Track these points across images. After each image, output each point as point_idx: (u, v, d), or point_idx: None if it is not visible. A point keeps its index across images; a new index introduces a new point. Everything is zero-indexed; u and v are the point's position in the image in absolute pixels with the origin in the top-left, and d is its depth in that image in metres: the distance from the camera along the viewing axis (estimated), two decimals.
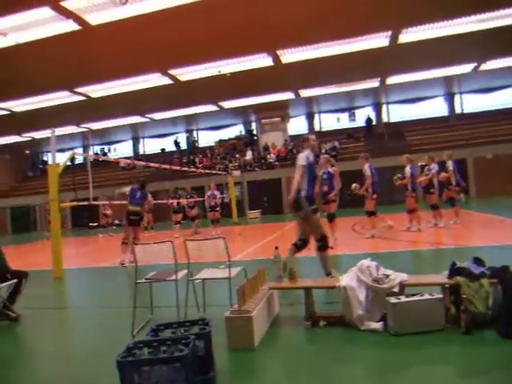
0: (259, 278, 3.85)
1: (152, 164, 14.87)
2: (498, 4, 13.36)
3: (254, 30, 13.15)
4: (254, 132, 28.83)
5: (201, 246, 4.14)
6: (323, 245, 4.79)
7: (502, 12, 13.99)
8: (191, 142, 30.59)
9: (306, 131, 28.96)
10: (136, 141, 32.50)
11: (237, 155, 25.82)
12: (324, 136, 26.61)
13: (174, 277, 4.10)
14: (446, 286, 3.29)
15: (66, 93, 17.90)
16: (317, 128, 29.14)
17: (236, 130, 29.86)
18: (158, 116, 24.52)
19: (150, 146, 32.24)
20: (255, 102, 23.10)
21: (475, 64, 20.05)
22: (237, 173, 20.34)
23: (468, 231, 9.24)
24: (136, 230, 8.31)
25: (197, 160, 26.47)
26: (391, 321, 3.24)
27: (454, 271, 3.30)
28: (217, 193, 13.68)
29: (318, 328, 3.61)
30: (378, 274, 3.37)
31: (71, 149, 25.33)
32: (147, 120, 25.17)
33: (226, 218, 18.21)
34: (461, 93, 27.03)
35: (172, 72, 16.52)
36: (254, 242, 10.46)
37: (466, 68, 20.63)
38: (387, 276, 3.37)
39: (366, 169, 9.04)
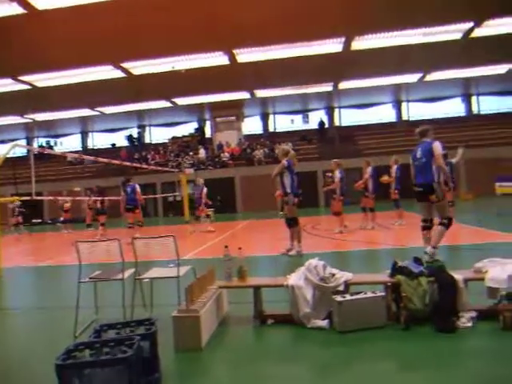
0: (208, 276, 3.83)
1: (101, 159, 14.34)
2: (443, 20, 14.17)
3: (210, 27, 13.05)
4: (209, 130, 28.64)
5: (149, 245, 4.05)
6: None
7: (446, 27, 14.85)
8: (139, 138, 29.80)
9: (261, 131, 29.21)
10: (85, 134, 31.21)
11: (190, 153, 25.51)
12: (278, 137, 26.94)
13: (120, 276, 3.98)
14: (388, 284, 3.44)
15: (9, 80, 16.83)
16: (271, 129, 29.45)
17: (190, 128, 29.49)
18: (109, 110, 23.68)
19: (100, 141, 31.09)
20: (210, 100, 22.94)
21: (421, 74, 21.15)
22: (190, 170, 20.06)
23: (410, 232, 9.70)
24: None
25: (149, 156, 25.86)
26: (336, 318, 3.34)
27: (396, 270, 3.46)
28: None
29: (266, 326, 3.65)
30: (325, 274, 3.47)
31: (13, 140, 23.95)
32: (97, 113, 24.24)
33: (178, 216, 17.95)
34: (408, 101, 28.39)
35: (125, 65, 16.03)
36: (205, 240, 10.38)
37: (413, 78, 21.71)
38: (333, 275, 3.47)
39: (337, 174, 9.61)
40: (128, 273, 4.10)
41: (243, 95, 22.57)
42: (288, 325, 3.59)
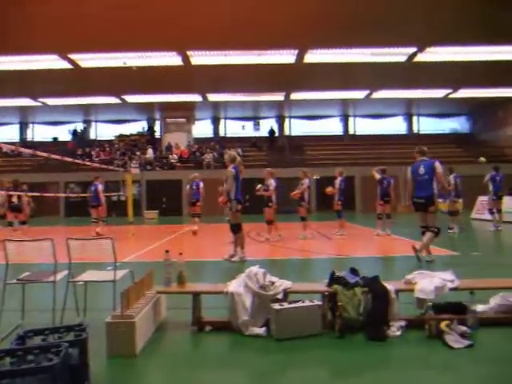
0: (146, 281, 3.72)
1: (40, 153, 13.52)
2: (390, 42, 14.97)
3: (165, 26, 12.81)
4: (158, 130, 28.06)
5: (85, 246, 3.87)
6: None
7: (393, 50, 15.70)
8: (82, 134, 28.51)
9: (211, 135, 29.08)
10: (24, 126, 29.34)
11: (137, 152, 24.81)
12: (228, 142, 26.94)
13: (52, 278, 3.76)
14: (325, 293, 3.53)
15: None
16: (222, 133, 29.42)
17: (139, 126, 28.71)
18: (52, 101, 22.47)
19: (41, 133, 29.36)
20: (161, 99, 22.53)
21: (368, 92, 22.14)
22: (136, 170, 19.50)
23: (351, 242, 10.08)
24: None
25: (93, 153, 24.81)
26: (274, 326, 3.37)
27: (333, 280, 3.57)
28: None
29: (203, 333, 3.60)
30: (265, 281, 3.49)
31: None
32: (39, 104, 22.90)
33: (121, 216, 17.36)
34: (354, 116, 29.59)
35: (72, 56, 15.31)
36: (147, 243, 10.10)
37: (360, 94, 22.68)
38: (273, 283, 3.51)
39: (272, 183, 9.70)
40: (61, 275, 3.89)
41: (195, 98, 22.38)
42: (226, 332, 3.57)
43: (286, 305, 3.38)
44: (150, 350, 3.28)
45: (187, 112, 25.45)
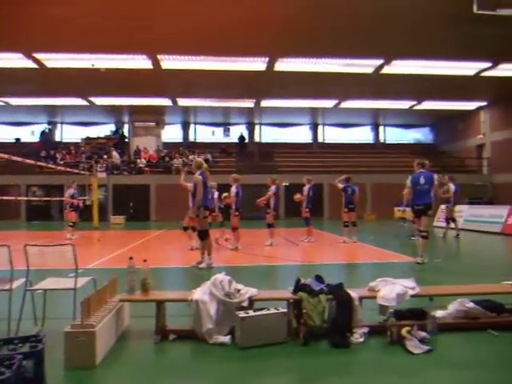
0: (109, 289, 3.62)
1: (0, 154, 12.94)
2: (358, 54, 15.37)
3: (135, 29, 12.65)
4: (126, 134, 27.55)
5: (45, 252, 3.72)
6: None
7: (361, 61, 16.12)
8: (47, 135, 27.60)
9: (181, 140, 28.83)
10: None
11: (105, 156, 24.22)
12: (198, 147, 26.79)
13: (7, 286, 3.59)
14: (290, 301, 3.54)
15: None
16: (191, 138, 29.23)
17: (106, 129, 28.09)
18: (15, 101, 21.66)
19: (2, 134, 28.17)
20: (130, 103, 22.17)
21: (337, 101, 22.60)
22: (102, 174, 19.04)
23: (317, 249, 10.19)
24: None
25: (58, 156, 24.03)
26: (239, 334, 3.34)
27: (298, 287, 3.59)
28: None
29: (167, 342, 3.53)
30: (230, 289, 3.47)
31: None
32: (1, 104, 22.02)
33: (86, 221, 16.86)
34: (324, 124, 30.11)
35: (38, 56, 14.82)
36: (113, 249, 9.85)
37: (329, 103, 23.12)
38: (238, 291, 3.49)
39: (233, 189, 9.64)
40: (18, 282, 3.72)
41: (165, 102, 22.16)
42: (190, 340, 3.52)
43: (251, 312, 3.36)
44: (110, 360, 3.18)
45: (157, 116, 25.15)
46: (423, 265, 7.32)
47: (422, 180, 7.47)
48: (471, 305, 3.81)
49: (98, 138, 26.96)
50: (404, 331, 3.38)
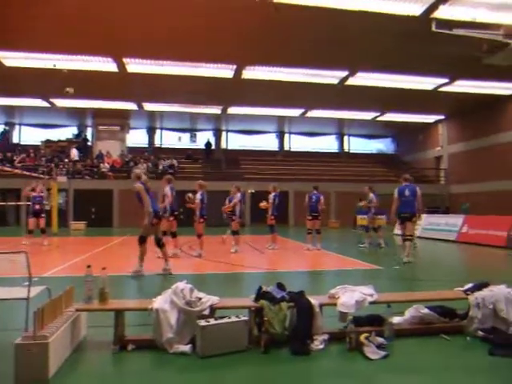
0: (65, 298, 3.49)
1: None
2: (323, 65, 15.73)
3: (100, 31, 12.43)
4: (89, 137, 26.81)
5: None
6: None
7: (326, 72, 16.50)
8: (3, 137, 26.40)
9: (146, 145, 28.38)
10: None
11: (66, 159, 23.45)
12: (163, 153, 26.47)
13: None
14: (252, 308, 3.55)
15: None
16: (157, 144, 28.84)
17: (68, 132, 27.20)
18: None
19: None
20: (94, 105, 21.62)
21: (303, 110, 23.00)
22: (62, 178, 18.41)
23: (281, 257, 10.27)
24: None
25: (15, 158, 23.03)
26: (199, 343, 3.31)
27: (260, 295, 3.60)
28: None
29: (126, 352, 3.44)
30: (191, 297, 3.43)
31: None
32: None
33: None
34: (290, 132, 30.52)
35: None
36: (71, 256, 9.51)
37: (296, 112, 23.49)
38: (200, 299, 3.46)
39: (198, 196, 9.58)
40: None
41: (130, 106, 21.79)
42: (150, 350, 3.45)
43: (212, 321, 3.34)
44: (64, 372, 3.07)
45: (121, 120, 24.68)
46: (384, 272, 7.54)
47: (407, 192, 8.63)
48: (426, 311, 3.95)
49: (59, 140, 26.01)
50: (362, 337, 3.46)
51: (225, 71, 16.27)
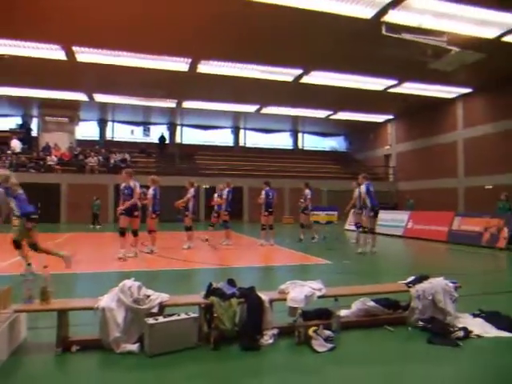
0: (2, 298, 3.29)
1: None
2: (278, 62, 15.87)
3: (46, 17, 11.77)
4: (34, 128, 25.42)
5: None
6: None
7: (281, 69, 16.64)
8: None
9: (97, 138, 27.37)
10: None
11: (8, 151, 22.09)
12: (115, 146, 25.64)
13: None
14: (202, 305, 3.52)
15: None
16: (109, 136, 27.90)
17: (11, 123, 25.62)
18: None
19: None
20: (40, 95, 20.51)
21: (258, 106, 23.09)
22: (4, 171, 17.30)
23: (235, 253, 10.27)
24: None
25: None
26: (147, 342, 3.24)
27: (210, 291, 3.58)
28: None
29: (69, 354, 3.30)
30: (140, 295, 3.35)
31: None
32: None
33: None
34: (245, 128, 30.56)
35: None
36: (11, 254, 8.96)
37: (251, 108, 23.53)
38: (148, 296, 3.38)
39: (150, 191, 9.42)
40: None
41: (80, 96, 20.87)
42: (96, 351, 3.33)
43: (160, 319, 3.28)
44: (1, 376, 2.89)
45: (70, 111, 23.59)
46: (333, 267, 7.78)
47: (371, 188, 9.77)
48: (371, 303, 4.10)
49: (1, 131, 24.46)
50: (311, 331, 3.53)
51: (180, 64, 15.98)
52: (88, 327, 3.69)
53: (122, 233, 8.29)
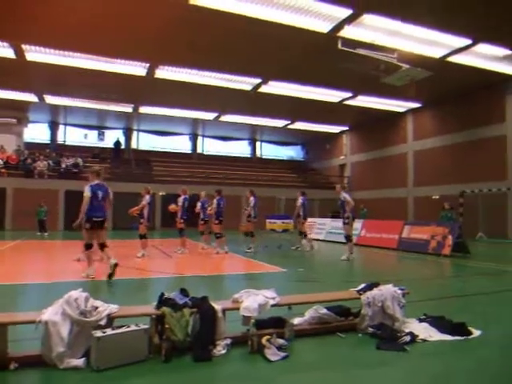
0: None
1: None
2: (237, 70, 15.96)
3: None
4: None
5: None
6: None
7: (240, 78, 16.75)
8: None
9: (48, 141, 26.23)
10: None
11: None
12: (67, 150, 24.66)
13: None
14: (153, 316, 3.42)
15: None
16: (60, 140, 26.81)
17: None
18: None
19: None
20: None
21: (217, 114, 23.07)
22: None
23: (190, 261, 10.12)
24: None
25: None
26: (94, 356, 3.10)
27: (162, 302, 3.49)
28: None
29: (8, 372, 3.09)
30: (87, 307, 3.21)
31: None
32: None
33: None
34: (204, 136, 30.41)
35: None
36: None
37: (210, 116, 23.48)
38: (96, 308, 3.24)
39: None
40: None
41: (29, 97, 19.91)
42: (37, 368, 3.13)
43: (109, 331, 3.15)
44: None
45: (18, 112, 22.45)
46: (288, 275, 7.85)
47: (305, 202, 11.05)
48: (324, 311, 4.17)
49: None
50: (264, 340, 3.53)
51: (137, 69, 15.69)
52: (30, 342, 3.48)
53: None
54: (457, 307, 5.38)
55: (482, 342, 3.86)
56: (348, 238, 10.53)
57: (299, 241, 12.70)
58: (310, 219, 18.30)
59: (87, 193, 6.77)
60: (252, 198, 11.91)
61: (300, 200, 12.44)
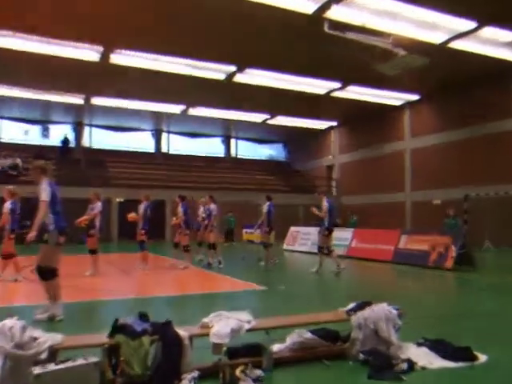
0: None
1: None
2: (209, 57, 15.97)
3: None
4: None
5: None
6: None
7: (212, 65, 16.76)
8: None
9: None
10: None
11: None
12: (4, 149, 24.05)
13: None
14: (105, 346, 3.35)
15: None
16: None
17: None
18: None
19: None
20: None
21: (184, 107, 23.00)
22: None
23: (152, 279, 9.99)
24: None
25: None
26: None
27: (117, 329, 3.42)
28: None
29: None
30: (24, 337, 3.11)
31: None
32: None
33: None
34: (169, 132, 30.24)
35: None
36: None
37: (176, 109, 23.38)
38: (35, 339, 3.15)
39: (6, 205, 8.80)
40: None
41: None
42: None
43: (51, 366, 3.06)
44: None
45: None
46: (268, 293, 7.86)
47: (334, 204, 10.91)
48: (308, 335, 4.17)
49: None
50: (238, 371, 3.50)
51: (89, 53, 15.48)
52: None
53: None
54: (460, 328, 5.47)
55: (489, 369, 3.91)
56: (328, 249, 10.60)
57: (265, 254, 12.15)
58: (293, 228, 18.47)
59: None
60: (213, 206, 11.84)
61: (266, 206, 12.00)
